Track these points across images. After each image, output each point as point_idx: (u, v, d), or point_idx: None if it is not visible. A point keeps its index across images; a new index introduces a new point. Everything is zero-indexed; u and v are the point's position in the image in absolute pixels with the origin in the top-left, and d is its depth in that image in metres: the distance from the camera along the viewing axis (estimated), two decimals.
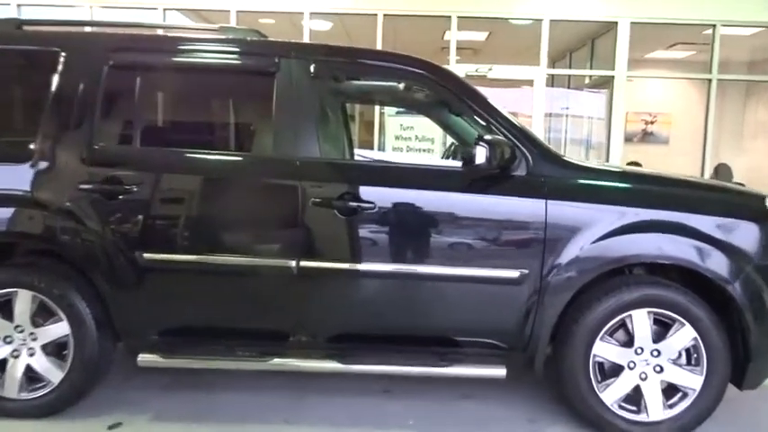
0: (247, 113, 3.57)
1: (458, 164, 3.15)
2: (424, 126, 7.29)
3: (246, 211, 3.04)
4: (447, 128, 4.11)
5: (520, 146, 3.00)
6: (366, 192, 2.96)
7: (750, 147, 10.46)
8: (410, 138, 7.33)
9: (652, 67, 10.08)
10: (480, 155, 2.85)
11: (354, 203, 2.94)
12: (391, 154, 4.27)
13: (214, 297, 3.06)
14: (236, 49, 3.19)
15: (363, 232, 2.98)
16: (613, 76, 7.35)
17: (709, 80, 7.45)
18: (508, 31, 8.81)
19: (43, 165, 2.95)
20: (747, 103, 10.98)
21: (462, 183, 3.01)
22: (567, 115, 9.40)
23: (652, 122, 10.88)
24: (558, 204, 2.96)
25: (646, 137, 10.59)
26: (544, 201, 2.95)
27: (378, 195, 2.96)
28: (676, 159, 10.12)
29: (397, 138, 7.34)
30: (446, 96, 3.21)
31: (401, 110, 7.15)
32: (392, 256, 3.01)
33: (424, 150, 7.24)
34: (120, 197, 2.95)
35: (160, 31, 3.43)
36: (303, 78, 3.08)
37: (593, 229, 2.93)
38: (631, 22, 7.21)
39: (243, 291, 3.05)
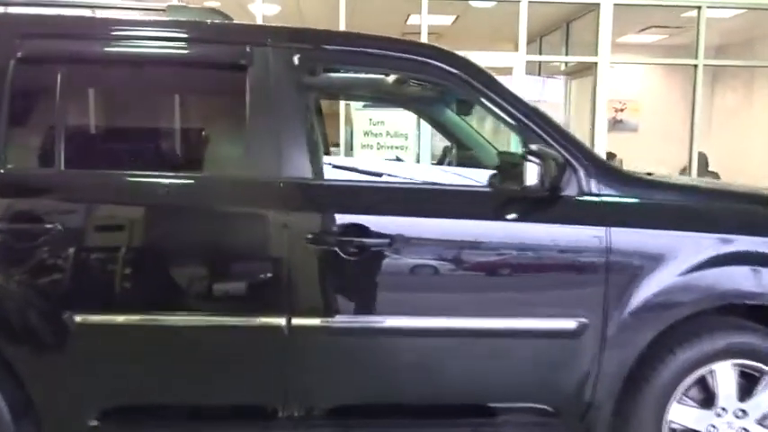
0: (209, 121, 2.75)
1: (482, 182, 2.48)
2: (396, 121, 6.57)
3: (215, 252, 2.27)
4: (451, 130, 3.44)
5: (569, 157, 2.33)
6: (377, 223, 2.23)
7: (719, 134, 10.17)
8: (380, 134, 6.61)
9: (621, 53, 9.61)
10: (531, 172, 2.17)
11: (362, 239, 2.21)
12: (387, 164, 3.47)
13: (173, 367, 2.29)
14: (194, 36, 2.39)
15: (375, 277, 2.25)
16: (596, 63, 6.80)
17: (695, 66, 7.00)
18: (477, 14, 8.16)
19: None
20: (715, 89, 10.69)
21: (501, 208, 2.31)
22: (539, 104, 8.80)
23: (622, 110, 10.45)
24: (622, 233, 2.28)
25: (616, 125, 10.15)
26: (605, 229, 2.29)
27: (393, 227, 2.24)
28: (647, 148, 9.73)
29: (365, 134, 6.59)
30: (470, 95, 2.48)
31: (368, 103, 6.40)
32: (412, 306, 2.29)
33: (396, 148, 6.52)
34: (40, 239, 2.15)
35: (88, 13, 2.58)
36: (285, 73, 2.32)
37: (671, 264, 2.27)
38: (614, 4, 6.66)
39: (213, 358, 2.28)
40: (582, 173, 2.33)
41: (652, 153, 9.03)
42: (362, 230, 2.21)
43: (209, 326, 2.23)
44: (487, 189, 2.41)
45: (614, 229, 2.28)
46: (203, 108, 2.78)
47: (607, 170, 2.40)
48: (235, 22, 2.48)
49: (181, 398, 2.34)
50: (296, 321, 2.21)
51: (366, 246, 2.21)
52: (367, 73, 2.77)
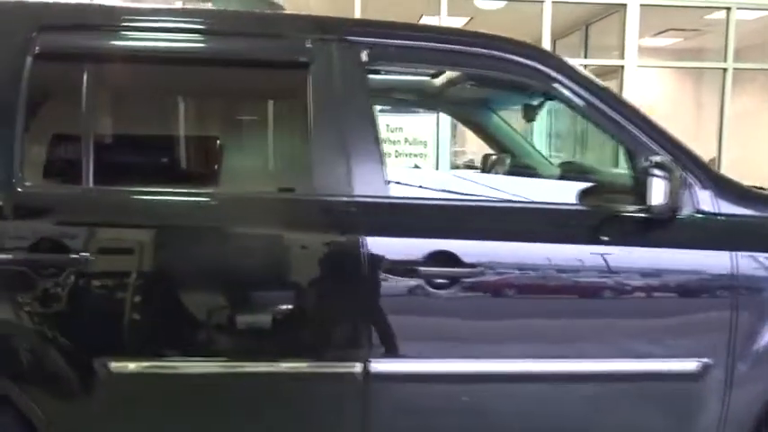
0: (263, 129, 2.37)
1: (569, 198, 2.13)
2: (415, 127, 6.21)
3: (277, 286, 1.91)
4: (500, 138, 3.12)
5: (685, 169, 2.01)
6: (471, 249, 1.88)
7: (731, 138, 9.95)
8: (398, 141, 6.25)
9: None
10: (657, 189, 1.83)
11: (452, 269, 1.87)
12: (451, 177, 3.08)
13: (226, 423, 1.93)
14: (246, 29, 2.02)
15: (466, 311, 1.90)
16: (622, 65, 6.52)
17: (724, 69, 6.73)
18: (491, 16, 7.86)
19: None
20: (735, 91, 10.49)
21: (616, 231, 1.96)
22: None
23: None
24: (750, 258, 1.96)
25: None
26: (730, 254, 1.96)
27: (487, 253, 1.89)
28: None
29: (383, 141, 6.21)
30: (570, 100, 2.08)
31: (386, 108, 6.04)
32: (509, 347, 1.93)
33: (415, 155, 6.18)
34: (66, 270, 1.79)
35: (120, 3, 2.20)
36: (352, 72, 1.97)
37: None
38: (641, 5, 6.38)
39: (274, 411, 1.92)
40: (697, 187, 2.00)
41: None
42: (451, 258, 1.86)
43: (271, 373, 1.86)
44: (593, 208, 2.06)
45: (741, 254, 1.95)
46: (258, 114, 2.39)
47: (725, 184, 2.06)
48: (290, 12, 2.11)
49: None
50: (374, 366, 1.85)
51: (455, 276, 1.87)
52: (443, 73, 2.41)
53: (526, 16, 6.75)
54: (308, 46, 1.95)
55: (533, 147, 3.52)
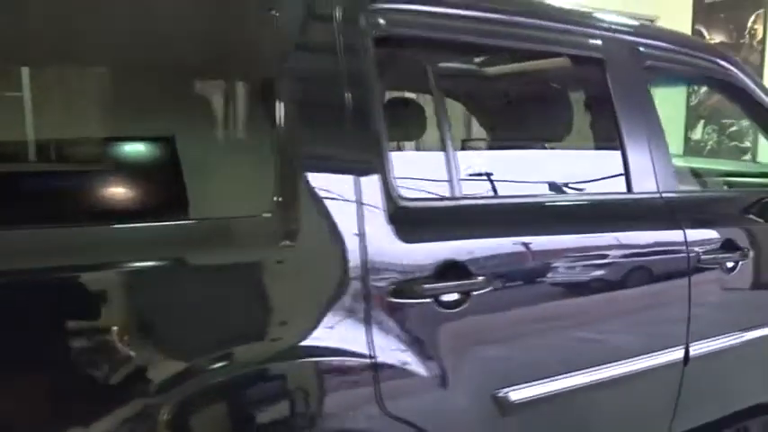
0: (583, 126, 2.23)
1: None
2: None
3: (636, 284, 1.86)
4: None
5: None
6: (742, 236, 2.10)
7: None
8: None
9: None
10: None
11: (733, 253, 2.05)
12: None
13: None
14: (558, 19, 1.86)
15: (746, 288, 2.15)
16: None
17: None
18: None
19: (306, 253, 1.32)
20: None
21: None
22: None
23: None
24: None
25: None
26: None
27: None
28: None
29: None
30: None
31: None
32: None
33: None
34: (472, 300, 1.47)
35: None
36: (636, 71, 1.95)
37: None
38: None
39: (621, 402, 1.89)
40: None
41: None
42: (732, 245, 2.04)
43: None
44: None
45: None
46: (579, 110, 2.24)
47: None
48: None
49: None
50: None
51: (737, 260, 2.06)
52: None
53: None
54: (599, 43, 1.88)
55: None
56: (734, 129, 6.36)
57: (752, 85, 2.29)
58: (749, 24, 6.53)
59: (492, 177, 1.74)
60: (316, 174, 1.32)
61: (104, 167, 1.24)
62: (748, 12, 6.56)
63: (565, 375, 1.66)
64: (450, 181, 1.58)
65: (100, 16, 1.18)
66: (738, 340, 2.08)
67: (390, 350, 1.36)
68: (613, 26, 1.97)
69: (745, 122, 6.25)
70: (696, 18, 6.80)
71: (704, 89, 6.24)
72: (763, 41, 6.36)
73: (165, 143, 1.28)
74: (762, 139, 6.18)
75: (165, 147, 1.28)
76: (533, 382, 1.60)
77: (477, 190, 1.72)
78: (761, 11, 6.47)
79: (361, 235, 1.34)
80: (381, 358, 1.34)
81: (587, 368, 1.71)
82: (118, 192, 1.22)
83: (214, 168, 1.33)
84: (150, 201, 1.23)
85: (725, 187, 2.71)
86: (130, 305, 1.13)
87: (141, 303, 1.13)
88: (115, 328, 1.09)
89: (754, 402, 2.26)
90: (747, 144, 6.33)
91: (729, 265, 2.02)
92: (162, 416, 1.11)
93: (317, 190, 1.31)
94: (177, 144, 1.25)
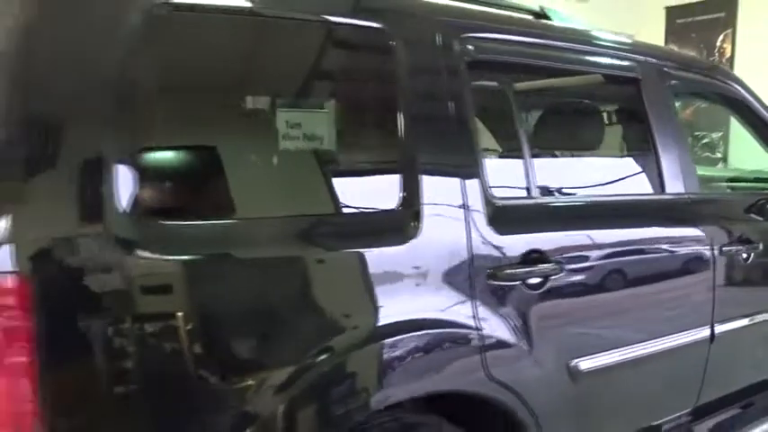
0: (626, 136, 2.58)
1: None
2: (313, 122, 6.23)
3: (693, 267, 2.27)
4: None
5: None
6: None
7: None
8: (297, 137, 6.19)
9: None
10: None
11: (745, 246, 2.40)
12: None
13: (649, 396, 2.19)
14: (605, 46, 2.22)
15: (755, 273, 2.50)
16: None
17: None
18: None
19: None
20: None
21: None
22: None
23: None
24: None
25: None
26: None
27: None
28: None
29: (283, 137, 6.11)
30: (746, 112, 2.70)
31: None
32: None
33: None
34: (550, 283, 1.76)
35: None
36: (664, 88, 2.28)
37: None
38: None
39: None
40: None
41: None
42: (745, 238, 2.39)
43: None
44: None
45: None
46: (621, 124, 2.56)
47: None
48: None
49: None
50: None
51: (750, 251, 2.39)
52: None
53: None
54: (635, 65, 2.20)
55: None
56: (706, 140, 6.75)
57: (751, 99, 2.64)
58: (718, 43, 7.01)
59: (560, 181, 2.04)
60: (431, 177, 1.59)
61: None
62: (717, 31, 7.03)
63: (622, 349, 1.96)
64: (529, 185, 1.86)
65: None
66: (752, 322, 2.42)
67: (491, 324, 1.62)
68: (646, 51, 2.30)
69: (716, 134, 6.72)
70: (668, 36, 7.22)
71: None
72: (731, 59, 6.82)
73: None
74: (731, 149, 6.65)
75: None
76: (596, 355, 1.88)
77: (550, 192, 2.01)
78: (729, 31, 6.95)
79: (467, 227, 1.62)
80: (486, 331, 1.60)
81: (638, 342, 2.01)
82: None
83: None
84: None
85: (728, 190, 3.06)
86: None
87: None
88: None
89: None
90: (719, 155, 6.73)
91: (744, 255, 2.35)
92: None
93: (432, 190, 1.58)
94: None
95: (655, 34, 6.91)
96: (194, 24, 1.34)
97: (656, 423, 2.20)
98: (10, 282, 1.06)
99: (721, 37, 7.00)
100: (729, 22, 6.96)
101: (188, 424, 1.25)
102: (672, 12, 7.47)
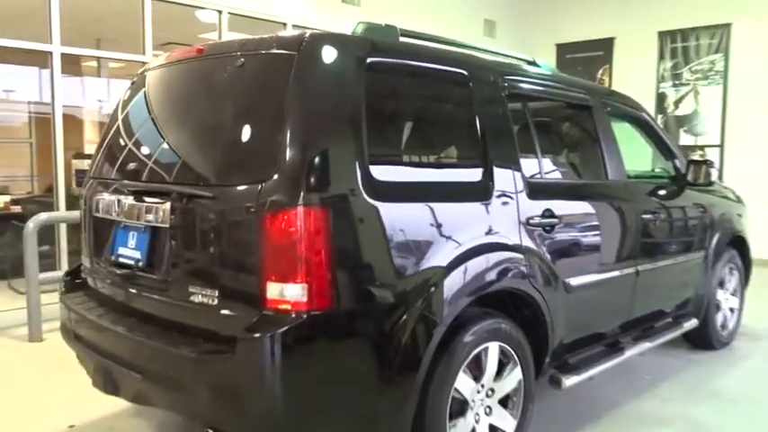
0: (585, 143, 3.71)
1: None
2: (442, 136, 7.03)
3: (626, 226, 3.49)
4: None
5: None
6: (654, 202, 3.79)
7: None
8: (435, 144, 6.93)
9: None
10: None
11: (659, 212, 3.76)
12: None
13: (605, 308, 3.43)
14: (573, 84, 3.50)
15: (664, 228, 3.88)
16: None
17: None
18: None
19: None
20: None
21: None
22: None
23: None
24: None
25: None
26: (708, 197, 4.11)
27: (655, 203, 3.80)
28: None
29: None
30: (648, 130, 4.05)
31: None
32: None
33: None
34: (553, 227, 2.93)
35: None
36: (604, 112, 3.53)
37: None
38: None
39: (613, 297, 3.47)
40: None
41: None
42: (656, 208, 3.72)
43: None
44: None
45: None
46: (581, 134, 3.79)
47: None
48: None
49: (599, 328, 3.41)
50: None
51: (657, 212, 3.70)
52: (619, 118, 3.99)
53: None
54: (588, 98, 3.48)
55: None
56: None
57: (648, 119, 4.05)
58: (598, 75, 8.64)
59: (557, 170, 3.30)
60: (496, 164, 2.69)
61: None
62: (597, 65, 8.66)
63: (592, 275, 3.18)
64: (543, 171, 3.05)
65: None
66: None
67: (528, 249, 2.73)
68: (594, 88, 3.60)
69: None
70: (559, 68, 8.75)
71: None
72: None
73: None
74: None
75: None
76: (579, 276, 3.07)
77: (557, 176, 3.27)
78: (606, 66, 8.58)
79: (516, 194, 2.74)
80: (525, 254, 2.73)
81: (600, 272, 3.24)
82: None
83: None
84: None
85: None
86: None
87: None
88: None
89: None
90: None
91: (652, 220, 3.61)
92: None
93: (497, 173, 2.68)
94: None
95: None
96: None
97: (603, 330, 3.40)
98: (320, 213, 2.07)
99: (601, 71, 8.62)
100: (607, 58, 8.60)
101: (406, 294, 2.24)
102: (561, 48, 9.11)
